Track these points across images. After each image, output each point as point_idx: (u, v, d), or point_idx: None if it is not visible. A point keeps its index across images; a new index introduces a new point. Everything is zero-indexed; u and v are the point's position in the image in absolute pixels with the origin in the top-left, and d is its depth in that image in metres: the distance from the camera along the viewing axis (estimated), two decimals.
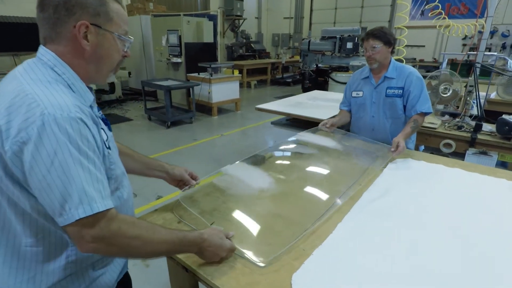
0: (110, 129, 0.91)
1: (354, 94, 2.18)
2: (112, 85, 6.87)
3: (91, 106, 0.82)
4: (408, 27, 3.04)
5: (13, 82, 0.72)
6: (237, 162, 1.54)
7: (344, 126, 2.35)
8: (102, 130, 0.82)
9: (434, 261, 0.97)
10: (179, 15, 6.80)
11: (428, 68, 9.22)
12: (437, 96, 2.68)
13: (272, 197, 1.33)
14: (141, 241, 0.77)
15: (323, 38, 3.51)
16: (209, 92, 6.31)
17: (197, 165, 4.06)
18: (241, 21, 13.06)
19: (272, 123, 3.86)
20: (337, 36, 3.36)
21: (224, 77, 6.45)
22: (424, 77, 2.73)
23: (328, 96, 4.20)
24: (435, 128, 2.65)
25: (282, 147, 1.96)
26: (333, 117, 2.25)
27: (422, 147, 3.38)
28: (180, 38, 6.63)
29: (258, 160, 1.69)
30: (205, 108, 6.74)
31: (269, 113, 3.55)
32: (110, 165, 0.82)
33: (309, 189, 1.42)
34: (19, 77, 0.73)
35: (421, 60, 10.59)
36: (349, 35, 3.42)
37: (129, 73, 7.06)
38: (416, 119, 1.97)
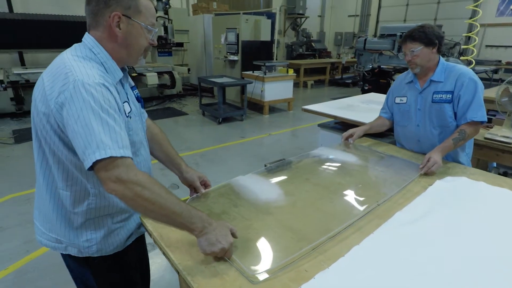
0: (142, 107, 1.16)
1: (397, 100, 1.93)
2: (173, 80, 7.29)
3: (121, 83, 1.02)
4: (494, 25, 2.59)
5: (60, 57, 0.94)
6: (250, 173, 1.47)
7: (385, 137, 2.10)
8: (126, 103, 1.00)
9: None
10: (239, 13, 6.92)
11: None
12: None
13: (287, 207, 1.22)
14: (154, 194, 0.85)
15: (381, 36, 3.21)
16: (261, 91, 6.31)
17: (240, 163, 4.08)
18: (303, 19, 12.82)
19: (319, 125, 3.68)
20: (397, 34, 3.03)
21: (277, 76, 6.38)
22: (503, 81, 2.31)
23: (384, 99, 3.86)
24: (510, 143, 2.23)
25: (307, 158, 1.76)
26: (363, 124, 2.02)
27: (494, 164, 2.89)
28: (238, 36, 6.74)
29: (280, 168, 1.59)
30: (257, 106, 6.76)
31: (316, 114, 3.39)
32: (129, 131, 0.98)
33: (328, 204, 1.27)
34: (64, 53, 0.94)
35: (508, 63, 9.17)
36: None
37: (188, 69, 7.41)
38: (463, 129, 1.66)
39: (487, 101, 3.22)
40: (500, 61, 9.26)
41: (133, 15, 0.94)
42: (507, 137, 2.28)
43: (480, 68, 6.73)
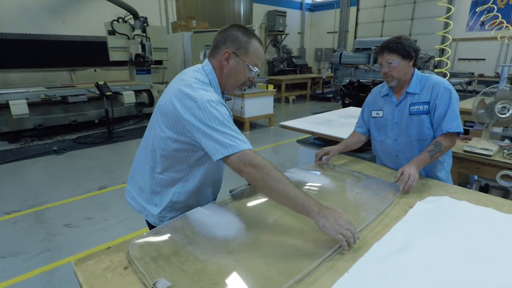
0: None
1: (373, 113, 1.83)
2: (151, 98, 7.10)
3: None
4: (465, 40, 2.60)
5: (184, 74, 1.17)
6: (211, 203, 1.31)
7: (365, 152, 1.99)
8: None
9: None
10: (217, 31, 6.88)
11: (488, 83, 8.21)
12: (492, 116, 2.19)
13: (249, 245, 1.06)
14: (277, 178, 1.02)
15: (356, 50, 3.17)
16: (241, 107, 6.20)
17: None
18: (283, 36, 13.02)
19: (298, 141, 3.57)
20: (372, 47, 3.00)
21: (257, 92, 6.31)
22: (477, 93, 2.26)
23: None
24: (489, 156, 2.17)
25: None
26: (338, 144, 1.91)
27: (475, 177, 2.83)
28: None
29: (247, 193, 1.44)
30: (237, 123, 6.62)
31: (293, 130, 3.28)
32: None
33: (298, 236, 1.11)
34: (189, 73, 1.16)
35: (481, 75, 9.51)
36: None
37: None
38: (439, 141, 1.57)
39: (464, 112, 3.20)
40: (473, 73, 9.59)
41: (241, 55, 1.14)
42: (486, 149, 2.21)
43: (454, 80, 6.90)
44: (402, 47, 1.58)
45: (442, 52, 11.01)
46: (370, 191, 1.47)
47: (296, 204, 1.02)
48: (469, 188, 2.65)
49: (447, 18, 2.67)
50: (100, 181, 3.93)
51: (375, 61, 2.98)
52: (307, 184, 1.53)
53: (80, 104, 6.26)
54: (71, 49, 7.64)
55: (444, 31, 2.67)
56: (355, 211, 1.29)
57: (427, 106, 1.63)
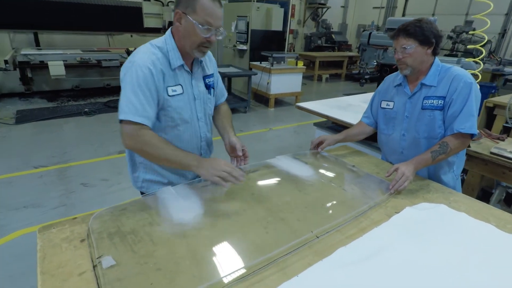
0: (210, 93, 1.37)
1: (383, 104, 1.67)
2: None
3: (176, 69, 1.21)
4: None
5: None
6: (184, 184, 1.29)
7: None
8: (170, 88, 1.20)
9: None
10: (251, 1, 6.63)
11: None
12: None
13: (207, 231, 1.03)
14: (154, 147, 1.14)
15: (388, 30, 2.89)
16: (267, 83, 6.06)
17: (228, 159, 3.88)
18: (324, 9, 12.29)
19: (315, 124, 3.45)
20: None
21: (285, 68, 6.10)
22: None
23: None
24: None
25: (263, 168, 1.51)
26: (339, 132, 1.78)
27: (503, 183, 2.56)
28: (248, 24, 6.48)
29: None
30: (264, 99, 6.52)
31: (308, 112, 3.15)
32: (167, 107, 1.21)
33: (260, 230, 1.06)
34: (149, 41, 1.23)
35: None
36: None
37: None
38: (446, 141, 1.40)
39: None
40: None
41: (189, 13, 1.11)
42: None
43: (509, 69, 6.13)
44: (420, 31, 1.40)
45: (502, 36, 9.80)
46: (358, 189, 1.37)
47: (176, 162, 1.16)
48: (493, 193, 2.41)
49: None
50: (121, 145, 4.09)
51: None
52: (289, 174, 1.45)
53: (113, 69, 6.47)
54: (109, 13, 7.80)
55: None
56: (333, 208, 1.22)
57: (442, 101, 1.45)
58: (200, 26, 1.11)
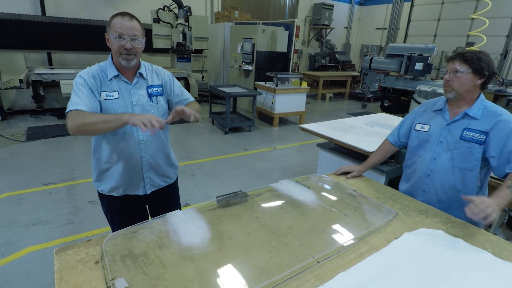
0: (151, 100, 1.55)
1: (418, 126, 1.71)
2: (187, 86, 7.34)
3: (112, 79, 1.47)
4: None
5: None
6: (192, 208, 1.35)
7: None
8: (104, 92, 1.45)
9: None
10: (256, 23, 6.88)
11: None
12: None
13: (213, 255, 1.09)
14: (87, 123, 1.31)
15: (388, 56, 3.00)
16: (272, 102, 6.19)
17: (236, 177, 3.94)
18: (328, 30, 12.61)
19: (318, 145, 3.51)
20: (405, 55, 2.81)
21: (289, 88, 6.24)
22: None
23: (392, 122, 3.62)
24: None
25: (267, 192, 1.57)
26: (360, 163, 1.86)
27: (506, 208, 2.57)
28: (253, 46, 6.69)
29: (232, 202, 1.46)
30: (268, 118, 6.64)
31: (312, 134, 3.23)
32: (105, 110, 1.44)
33: (264, 254, 1.12)
34: None
35: None
36: (420, 55, 2.82)
37: (202, 77, 7.42)
38: None
39: None
40: None
41: (109, 32, 1.42)
42: None
43: None
44: (477, 61, 1.46)
45: (504, 57, 9.94)
46: (358, 214, 1.42)
47: (111, 123, 1.32)
48: None
49: None
50: None
51: (406, 70, 2.80)
52: (292, 198, 1.51)
53: None
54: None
55: None
56: (334, 234, 1.27)
57: (485, 136, 1.49)
58: (113, 37, 1.39)
